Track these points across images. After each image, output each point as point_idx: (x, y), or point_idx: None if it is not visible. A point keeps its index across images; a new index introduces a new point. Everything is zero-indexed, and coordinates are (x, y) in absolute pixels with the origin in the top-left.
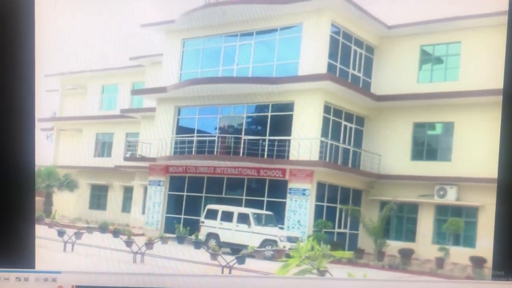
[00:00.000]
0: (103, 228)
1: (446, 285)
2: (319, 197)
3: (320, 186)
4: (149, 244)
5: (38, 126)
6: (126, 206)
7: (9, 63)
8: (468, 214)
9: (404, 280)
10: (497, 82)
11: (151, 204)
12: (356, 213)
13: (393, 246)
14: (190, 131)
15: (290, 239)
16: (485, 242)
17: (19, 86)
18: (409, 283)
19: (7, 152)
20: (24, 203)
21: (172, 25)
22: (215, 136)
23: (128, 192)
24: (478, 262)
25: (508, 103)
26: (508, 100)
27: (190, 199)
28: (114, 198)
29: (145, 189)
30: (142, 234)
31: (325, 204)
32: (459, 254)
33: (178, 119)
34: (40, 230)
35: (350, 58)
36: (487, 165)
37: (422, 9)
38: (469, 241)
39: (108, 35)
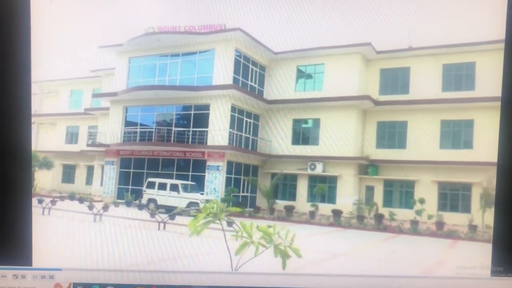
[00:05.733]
0: (72, 196)
1: (445, 281)
2: (229, 171)
3: (229, 163)
4: (106, 207)
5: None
6: (89, 180)
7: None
8: (331, 181)
9: (403, 276)
10: (349, 91)
11: (107, 179)
12: (254, 182)
13: (280, 204)
14: (135, 124)
15: (208, 201)
16: (341, 200)
17: (17, 86)
18: (408, 279)
19: (5, 151)
20: (21, 201)
21: (121, 47)
22: (153, 128)
23: (90, 169)
24: (337, 213)
25: (507, 96)
26: (507, 94)
27: (135, 174)
28: (80, 174)
29: (102, 167)
30: (101, 200)
31: (233, 176)
32: (325, 208)
33: (126, 116)
34: None
35: (248, 74)
36: (343, 148)
37: (298, 40)
38: (331, 199)
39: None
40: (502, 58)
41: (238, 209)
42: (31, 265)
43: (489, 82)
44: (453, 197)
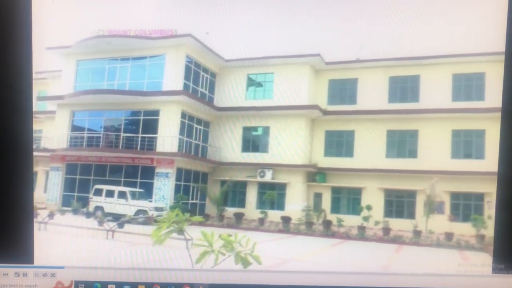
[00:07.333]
0: None
1: (446, 278)
2: (178, 178)
3: (179, 170)
4: (51, 215)
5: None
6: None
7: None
8: (280, 188)
9: (400, 274)
10: (299, 100)
11: (52, 185)
12: (204, 189)
13: (230, 211)
14: (82, 129)
15: (157, 209)
16: (290, 207)
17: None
18: (409, 276)
19: (6, 149)
20: (22, 198)
21: (69, 49)
22: (101, 133)
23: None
24: (286, 219)
25: (507, 104)
26: (507, 102)
27: (81, 181)
28: None
29: (47, 173)
30: (45, 208)
31: (182, 183)
32: (274, 215)
33: (72, 120)
34: None
35: (199, 80)
36: (291, 155)
37: (249, 49)
38: (280, 206)
39: None
40: (444, 72)
41: (200, 219)
42: (32, 263)
43: (433, 94)
44: (399, 204)
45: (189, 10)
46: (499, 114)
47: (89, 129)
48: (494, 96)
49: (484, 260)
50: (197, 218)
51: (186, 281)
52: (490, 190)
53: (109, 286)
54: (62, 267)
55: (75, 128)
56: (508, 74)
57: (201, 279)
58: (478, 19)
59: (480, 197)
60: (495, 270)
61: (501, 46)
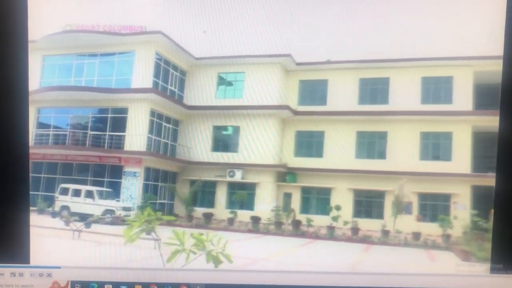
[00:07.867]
0: None
1: (444, 278)
2: (146, 178)
3: (147, 170)
4: None
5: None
6: None
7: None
8: (250, 188)
9: (398, 274)
10: (269, 100)
11: None
12: (172, 188)
13: (199, 211)
14: (48, 126)
15: (124, 209)
16: (260, 207)
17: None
18: (404, 276)
19: (1, 148)
20: (17, 198)
21: (34, 44)
22: (67, 131)
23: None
24: (255, 219)
25: (507, 102)
26: (506, 99)
27: (47, 180)
28: None
29: None
30: None
31: (150, 182)
32: (244, 215)
33: (38, 117)
34: None
35: (169, 78)
36: (262, 155)
37: (219, 47)
38: (250, 206)
39: None
40: (413, 74)
41: (173, 218)
42: (28, 263)
43: (402, 96)
44: (368, 204)
45: (161, 6)
46: (466, 118)
47: (55, 127)
48: (461, 99)
49: (450, 259)
50: (169, 217)
51: (183, 281)
52: (457, 191)
53: (105, 286)
54: (59, 267)
55: (40, 125)
56: (506, 76)
57: (199, 279)
58: (459, 21)
59: (447, 198)
60: (493, 270)
61: (469, 51)
